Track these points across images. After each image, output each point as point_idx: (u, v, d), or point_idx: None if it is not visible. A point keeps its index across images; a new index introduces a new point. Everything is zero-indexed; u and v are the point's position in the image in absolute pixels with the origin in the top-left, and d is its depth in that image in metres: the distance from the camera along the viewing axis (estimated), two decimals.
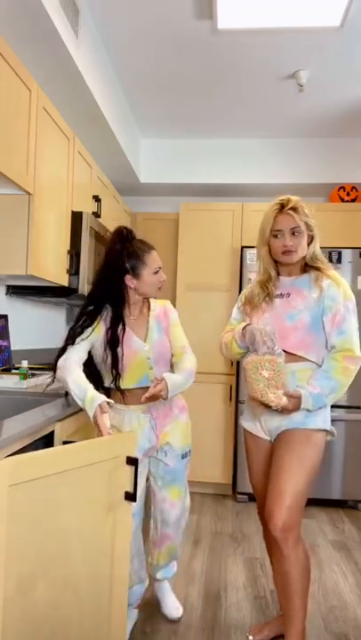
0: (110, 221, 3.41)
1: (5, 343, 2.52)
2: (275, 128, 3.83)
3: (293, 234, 1.78)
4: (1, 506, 1.14)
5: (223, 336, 1.99)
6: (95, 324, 1.85)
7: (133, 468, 1.50)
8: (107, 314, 1.87)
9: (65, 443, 1.65)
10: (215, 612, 2.18)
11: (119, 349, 1.82)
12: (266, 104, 3.45)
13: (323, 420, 1.79)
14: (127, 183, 4.10)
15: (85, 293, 2.76)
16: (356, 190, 3.91)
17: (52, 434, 1.78)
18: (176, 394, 1.84)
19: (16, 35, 2.16)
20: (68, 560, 1.34)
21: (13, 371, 2.43)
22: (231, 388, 3.69)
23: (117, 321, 1.85)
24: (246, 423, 1.95)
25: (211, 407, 3.69)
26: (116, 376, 1.84)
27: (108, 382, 1.90)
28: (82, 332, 1.84)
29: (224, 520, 3.23)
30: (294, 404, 1.70)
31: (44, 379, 2.40)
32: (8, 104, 1.93)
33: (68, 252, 2.66)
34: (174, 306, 2.07)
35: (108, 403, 1.67)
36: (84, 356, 1.84)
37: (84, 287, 2.75)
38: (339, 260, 3.54)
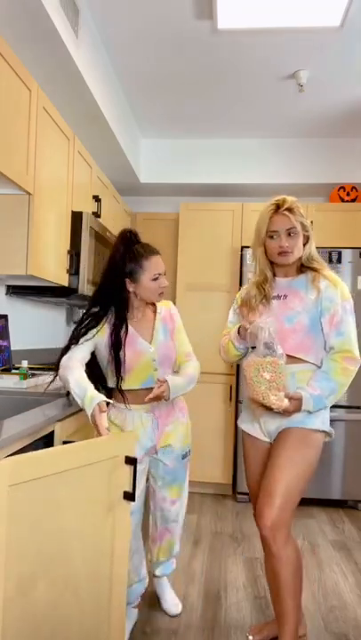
0: (110, 221, 3.41)
1: (5, 343, 2.52)
2: (275, 128, 3.83)
3: (289, 235, 1.77)
4: (1, 506, 1.14)
5: (222, 339, 1.98)
6: (100, 325, 1.86)
7: (132, 467, 1.50)
8: (112, 316, 1.88)
9: (65, 443, 1.65)
10: (215, 612, 2.18)
11: (121, 353, 1.83)
12: (266, 104, 3.45)
13: (322, 421, 1.78)
14: (127, 183, 4.10)
15: (85, 293, 2.77)
16: (356, 190, 3.91)
17: (52, 434, 1.78)
18: (177, 395, 1.89)
19: (16, 35, 2.16)
20: (67, 560, 1.34)
21: (13, 371, 2.43)
22: (231, 387, 3.69)
23: (120, 324, 1.85)
24: (244, 425, 1.93)
25: (211, 407, 3.69)
26: (118, 379, 1.85)
27: (111, 383, 1.90)
28: (86, 333, 1.85)
29: (224, 520, 3.23)
30: (295, 405, 1.70)
31: (44, 379, 2.41)
32: (8, 104, 1.93)
33: (68, 251, 2.66)
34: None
35: (107, 403, 1.67)
36: (88, 357, 1.86)
37: (84, 287, 2.75)
38: (339, 260, 3.54)
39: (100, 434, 1.62)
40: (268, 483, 1.73)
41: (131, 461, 1.50)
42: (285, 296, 1.82)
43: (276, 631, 1.95)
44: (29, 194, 2.18)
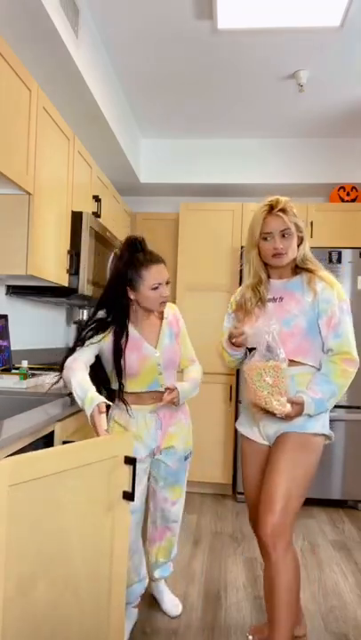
0: (110, 221, 3.41)
1: (5, 343, 2.52)
2: (275, 128, 3.83)
3: (283, 236, 1.74)
4: (1, 506, 1.14)
5: (218, 346, 1.95)
6: (106, 332, 1.87)
7: (132, 467, 1.51)
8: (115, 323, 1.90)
9: (65, 443, 1.65)
10: (215, 612, 2.18)
11: (122, 360, 1.85)
12: (266, 104, 3.45)
13: (322, 424, 1.76)
14: (127, 183, 4.10)
15: (85, 293, 2.78)
16: (356, 190, 3.91)
17: (52, 434, 1.78)
18: (184, 400, 1.95)
19: (16, 35, 2.16)
20: (67, 560, 1.34)
21: (13, 371, 2.43)
22: (231, 387, 3.69)
23: (121, 332, 1.86)
24: (243, 428, 1.90)
25: (211, 407, 3.69)
26: (120, 385, 1.87)
27: (114, 386, 1.92)
28: (92, 337, 1.86)
29: (224, 520, 3.23)
30: (297, 410, 1.67)
31: (43, 379, 2.41)
32: (8, 104, 1.93)
33: (68, 252, 2.66)
34: None
35: (107, 405, 1.68)
36: (92, 360, 1.87)
37: (84, 287, 2.75)
38: (339, 260, 3.54)
39: (97, 435, 1.62)
40: (268, 489, 1.70)
41: (130, 461, 1.50)
42: (281, 298, 1.79)
43: None
44: (29, 194, 2.18)
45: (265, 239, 1.76)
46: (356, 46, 2.77)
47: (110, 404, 1.70)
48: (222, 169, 4.03)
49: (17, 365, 2.59)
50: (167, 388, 1.88)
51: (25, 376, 2.27)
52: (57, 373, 1.91)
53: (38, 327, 3.21)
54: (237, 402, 3.64)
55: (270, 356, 1.64)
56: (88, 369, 1.82)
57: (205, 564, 2.62)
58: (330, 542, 2.94)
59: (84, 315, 3.62)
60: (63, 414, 1.85)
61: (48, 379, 2.44)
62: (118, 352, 1.84)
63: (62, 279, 2.60)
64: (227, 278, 3.79)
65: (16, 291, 2.71)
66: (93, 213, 2.98)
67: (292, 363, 1.72)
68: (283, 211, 1.73)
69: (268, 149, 4.00)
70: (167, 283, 1.88)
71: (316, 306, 1.73)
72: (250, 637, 1.96)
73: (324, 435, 1.77)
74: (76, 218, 2.72)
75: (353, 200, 3.90)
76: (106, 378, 1.95)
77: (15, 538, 1.18)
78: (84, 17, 2.50)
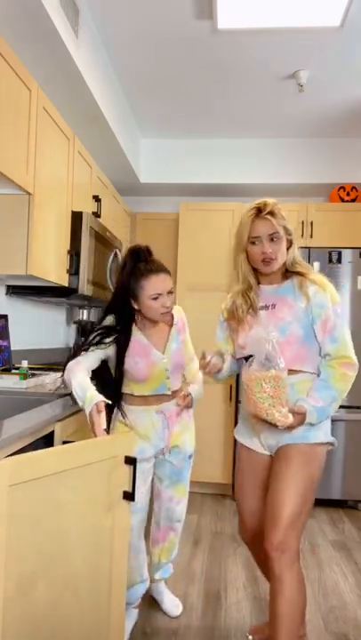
0: (110, 221, 3.41)
1: (5, 343, 2.52)
2: (275, 128, 3.83)
3: (272, 240, 1.67)
4: (1, 506, 1.14)
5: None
6: (113, 338, 1.88)
7: (132, 467, 1.51)
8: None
9: (65, 443, 1.65)
10: (215, 612, 2.18)
11: (126, 365, 1.88)
12: (266, 104, 3.45)
13: (324, 433, 1.70)
14: (127, 183, 4.09)
15: (85, 293, 2.78)
16: (356, 190, 3.91)
17: (52, 434, 1.78)
18: None
19: (16, 35, 2.15)
20: (67, 560, 1.34)
21: (13, 371, 2.43)
22: (231, 387, 3.69)
23: (125, 341, 1.88)
24: (242, 438, 1.84)
25: (211, 407, 3.68)
26: (118, 396, 1.93)
27: (124, 389, 1.95)
28: (97, 344, 1.86)
29: (224, 520, 3.23)
30: (299, 420, 1.61)
31: (43, 379, 2.41)
32: (8, 104, 1.93)
33: (68, 252, 2.66)
34: None
35: (106, 404, 1.68)
36: (94, 365, 1.87)
37: (84, 287, 2.75)
38: (339, 260, 3.54)
39: (95, 433, 1.62)
40: (274, 504, 1.63)
41: (130, 461, 1.50)
42: (274, 305, 1.72)
43: None
44: (29, 194, 2.18)
45: (253, 243, 1.69)
46: (356, 46, 2.76)
47: (109, 402, 1.70)
48: (222, 169, 4.03)
49: (17, 365, 2.59)
50: (183, 395, 1.95)
51: (25, 376, 2.27)
52: (59, 375, 1.92)
53: (38, 327, 3.21)
54: (237, 402, 3.63)
55: (270, 365, 1.57)
56: (90, 373, 1.83)
57: (205, 564, 2.62)
58: (330, 542, 2.94)
59: (84, 315, 3.62)
60: (63, 414, 1.85)
61: (48, 379, 2.44)
62: (120, 360, 1.87)
63: (62, 279, 2.60)
64: (227, 278, 3.78)
65: (16, 291, 2.71)
66: (93, 213, 2.98)
67: (291, 371, 1.65)
68: (271, 214, 1.68)
69: (268, 149, 4.00)
70: (169, 293, 1.84)
71: (310, 311, 1.67)
72: (250, 637, 1.96)
73: (327, 442, 1.73)
74: (76, 218, 2.72)
75: (353, 200, 3.90)
76: (109, 383, 1.95)
77: (15, 538, 1.18)
78: (84, 17, 2.50)
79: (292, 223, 1.77)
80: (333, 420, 1.88)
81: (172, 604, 2.17)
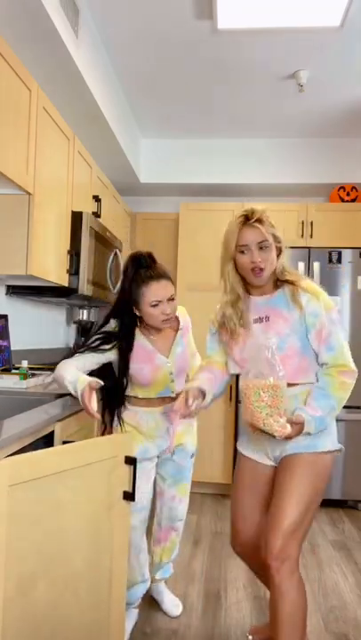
0: (110, 221, 3.41)
1: (5, 343, 2.52)
2: (275, 128, 3.83)
3: (261, 248, 1.61)
4: (1, 506, 1.14)
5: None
6: (111, 344, 1.88)
7: (132, 467, 1.51)
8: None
9: (65, 443, 1.65)
10: (215, 612, 2.18)
11: (131, 370, 1.89)
12: (266, 104, 3.45)
13: (332, 440, 1.66)
14: (127, 183, 4.09)
15: (85, 293, 2.78)
16: (356, 190, 3.91)
17: (52, 434, 1.78)
18: None
19: (16, 35, 2.15)
20: (67, 560, 1.34)
21: (13, 371, 2.43)
22: (231, 388, 3.69)
23: (127, 347, 1.88)
24: (246, 451, 1.77)
25: (211, 407, 3.68)
26: (122, 399, 1.94)
27: (128, 392, 1.96)
28: (94, 349, 1.87)
29: (224, 520, 3.23)
30: (297, 430, 1.55)
31: (43, 379, 2.41)
32: (8, 104, 1.93)
33: (68, 252, 2.66)
34: None
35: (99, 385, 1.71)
36: (89, 367, 1.87)
37: (84, 287, 2.75)
38: (339, 260, 3.54)
39: (88, 412, 1.65)
40: (276, 512, 1.58)
41: (130, 461, 1.51)
42: (267, 318, 1.65)
43: None
44: (29, 194, 2.18)
45: (242, 252, 1.63)
46: (356, 46, 2.76)
47: (102, 383, 1.72)
48: (222, 169, 4.03)
49: (17, 365, 2.59)
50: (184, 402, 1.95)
51: (25, 376, 2.27)
52: (50, 373, 1.93)
53: (38, 327, 3.21)
54: (237, 402, 3.64)
55: (269, 373, 1.51)
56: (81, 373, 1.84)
57: (205, 564, 2.62)
58: (330, 542, 2.94)
59: (84, 315, 3.63)
60: (63, 414, 1.85)
61: (48, 379, 2.44)
62: (125, 366, 1.87)
63: (62, 279, 2.60)
64: None
65: (16, 291, 2.71)
66: (93, 213, 2.98)
67: (293, 384, 1.61)
68: (259, 221, 1.61)
69: (268, 149, 4.00)
70: (170, 300, 1.82)
71: (304, 320, 1.62)
72: (250, 637, 1.96)
73: (335, 450, 1.69)
74: (76, 218, 2.72)
75: (353, 200, 3.90)
76: (115, 386, 1.96)
77: (15, 538, 1.18)
78: (84, 17, 2.50)
79: (292, 223, 1.75)
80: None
81: (172, 603, 2.17)
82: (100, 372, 1.93)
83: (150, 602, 2.21)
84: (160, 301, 1.80)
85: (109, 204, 3.46)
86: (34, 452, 1.26)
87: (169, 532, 2.10)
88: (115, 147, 3.38)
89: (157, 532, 2.11)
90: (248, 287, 1.71)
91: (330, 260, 3.54)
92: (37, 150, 2.20)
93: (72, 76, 2.51)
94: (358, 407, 3.48)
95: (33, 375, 2.38)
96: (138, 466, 1.83)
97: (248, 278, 1.66)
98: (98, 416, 1.69)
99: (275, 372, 1.51)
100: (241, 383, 1.61)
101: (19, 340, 2.83)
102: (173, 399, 1.94)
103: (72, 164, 2.69)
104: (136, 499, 1.61)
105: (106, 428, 1.99)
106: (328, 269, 3.54)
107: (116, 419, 1.96)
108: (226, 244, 1.68)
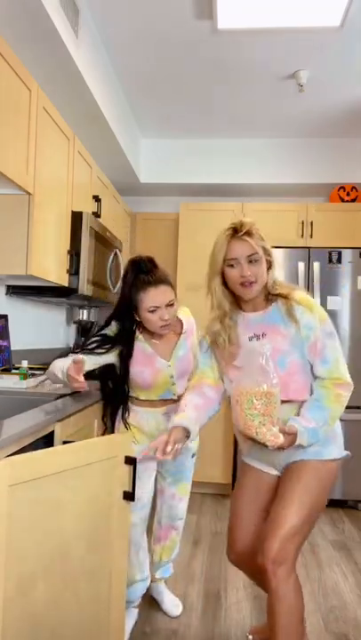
0: (110, 221, 3.41)
1: (5, 343, 2.52)
2: (275, 128, 3.83)
3: (251, 262, 1.55)
4: (1, 506, 1.14)
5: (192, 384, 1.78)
6: (109, 348, 1.89)
7: (132, 467, 1.51)
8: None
9: (65, 443, 1.65)
10: (215, 612, 2.18)
11: (133, 374, 1.90)
12: (266, 104, 3.45)
13: (339, 448, 1.63)
14: (127, 183, 4.09)
15: (85, 293, 2.78)
16: (356, 190, 3.91)
17: (52, 434, 1.78)
18: None
19: (16, 35, 2.16)
20: (67, 560, 1.34)
21: (13, 371, 2.43)
22: None
23: (127, 352, 1.88)
24: (252, 462, 1.73)
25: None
26: (124, 401, 1.96)
27: (130, 393, 1.98)
28: (91, 352, 1.87)
29: (224, 520, 3.23)
30: (290, 441, 1.50)
31: (43, 378, 2.41)
32: (8, 104, 1.93)
33: (68, 252, 2.66)
34: None
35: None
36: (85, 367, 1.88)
37: (84, 287, 2.75)
38: (339, 260, 3.54)
39: (75, 383, 1.70)
40: (276, 516, 1.56)
41: (130, 461, 1.51)
42: (263, 335, 1.60)
43: None
44: (29, 194, 2.18)
45: (231, 266, 1.57)
46: (356, 46, 2.76)
47: (85, 358, 1.77)
48: (222, 169, 4.03)
49: (17, 365, 2.59)
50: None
51: (25, 376, 2.27)
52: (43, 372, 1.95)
53: (38, 327, 3.21)
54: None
55: (262, 380, 1.46)
56: None
57: (205, 564, 2.62)
58: (330, 542, 2.94)
59: (84, 315, 3.63)
60: (63, 414, 1.85)
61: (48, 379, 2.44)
62: (125, 371, 1.89)
63: (62, 279, 2.60)
64: None
65: (16, 291, 2.71)
66: (93, 213, 2.98)
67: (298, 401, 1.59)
68: (248, 234, 1.56)
69: (268, 149, 4.00)
70: (169, 305, 1.80)
71: (299, 334, 1.58)
72: (250, 637, 1.96)
73: (341, 458, 1.65)
74: (76, 218, 2.72)
75: (353, 200, 3.90)
76: (117, 388, 1.97)
77: (15, 538, 1.18)
78: (84, 17, 2.50)
79: (292, 223, 1.74)
80: None
81: (172, 603, 2.17)
82: (103, 374, 1.94)
83: (150, 602, 2.21)
84: (158, 307, 1.79)
85: (109, 204, 3.46)
86: (34, 452, 1.26)
87: (169, 531, 2.10)
88: (115, 147, 3.38)
89: (158, 531, 2.12)
90: (240, 303, 1.66)
91: (330, 260, 3.54)
92: (37, 150, 2.20)
93: (72, 76, 2.51)
94: (358, 407, 3.47)
95: (33, 375, 2.38)
96: (142, 465, 1.84)
97: (238, 292, 1.61)
98: (85, 385, 1.71)
99: (268, 380, 1.46)
100: (233, 390, 1.56)
101: (19, 340, 2.83)
102: (175, 401, 1.94)
103: (72, 164, 2.69)
104: (137, 496, 1.62)
105: (106, 429, 2.00)
106: (328, 269, 3.54)
107: (118, 420, 1.97)
108: (213, 257, 1.62)
